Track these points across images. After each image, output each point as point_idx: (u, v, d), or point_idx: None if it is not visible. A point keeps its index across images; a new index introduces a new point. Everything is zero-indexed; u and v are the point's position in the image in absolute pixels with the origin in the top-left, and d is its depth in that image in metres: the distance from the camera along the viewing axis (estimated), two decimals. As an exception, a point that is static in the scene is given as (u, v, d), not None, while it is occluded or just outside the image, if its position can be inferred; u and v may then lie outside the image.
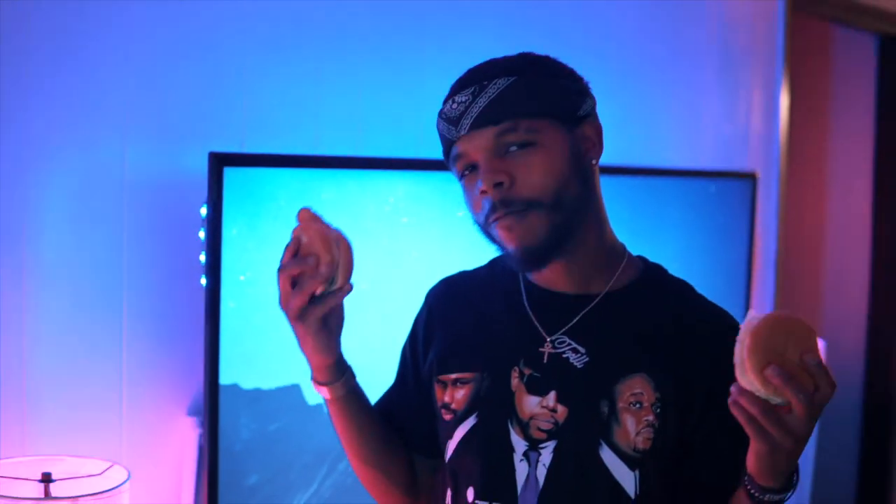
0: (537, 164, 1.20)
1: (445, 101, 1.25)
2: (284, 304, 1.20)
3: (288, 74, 2.04)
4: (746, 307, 2.87)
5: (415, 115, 2.11)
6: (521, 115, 1.20)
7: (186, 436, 1.95)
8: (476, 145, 1.21)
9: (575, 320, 1.27)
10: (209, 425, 1.82)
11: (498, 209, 1.20)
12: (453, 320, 1.36)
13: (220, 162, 1.78)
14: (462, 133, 1.21)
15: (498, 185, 1.20)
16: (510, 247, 1.22)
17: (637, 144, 2.67)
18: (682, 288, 1.32)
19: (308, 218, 1.20)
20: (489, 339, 1.32)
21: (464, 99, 1.20)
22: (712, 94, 3.01)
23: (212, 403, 1.81)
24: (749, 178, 2.94)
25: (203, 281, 1.85)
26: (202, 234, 1.86)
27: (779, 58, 3.18)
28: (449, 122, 1.23)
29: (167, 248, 1.92)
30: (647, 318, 1.26)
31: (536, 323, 1.29)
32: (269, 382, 1.90)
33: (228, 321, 1.82)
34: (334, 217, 1.23)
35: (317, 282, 1.18)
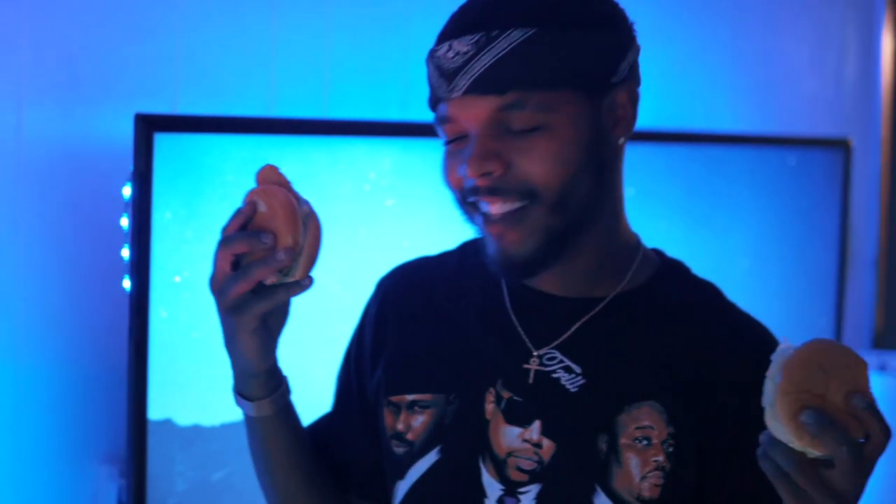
0: (543, 151, 1.21)
1: (441, 40, 1.24)
2: (218, 287, 1.21)
3: (233, 14, 2.05)
4: (838, 317, 2.81)
5: (400, 64, 2.10)
6: (535, 86, 1.20)
7: (100, 490, 1.93)
8: (470, 115, 1.22)
9: (570, 332, 1.29)
10: (133, 475, 1.81)
11: (482, 193, 1.22)
12: (410, 322, 1.37)
13: (148, 126, 1.79)
14: (455, 95, 1.22)
15: (487, 174, 1.21)
16: (493, 246, 1.25)
17: (693, 103, 2.66)
18: (707, 292, 1.34)
19: (273, 180, 1.19)
20: (458, 350, 1.33)
21: (465, 48, 1.20)
22: (792, 36, 2.99)
23: (137, 446, 1.81)
24: (841, 147, 2.92)
25: (126, 283, 1.85)
26: (125, 222, 1.87)
27: (880, -11, 3.22)
28: (441, 73, 1.23)
29: (77, 239, 1.92)
30: (660, 330, 1.29)
31: (521, 331, 1.30)
32: (212, 417, 1.90)
33: (159, 335, 1.83)
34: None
35: (269, 269, 1.18)
